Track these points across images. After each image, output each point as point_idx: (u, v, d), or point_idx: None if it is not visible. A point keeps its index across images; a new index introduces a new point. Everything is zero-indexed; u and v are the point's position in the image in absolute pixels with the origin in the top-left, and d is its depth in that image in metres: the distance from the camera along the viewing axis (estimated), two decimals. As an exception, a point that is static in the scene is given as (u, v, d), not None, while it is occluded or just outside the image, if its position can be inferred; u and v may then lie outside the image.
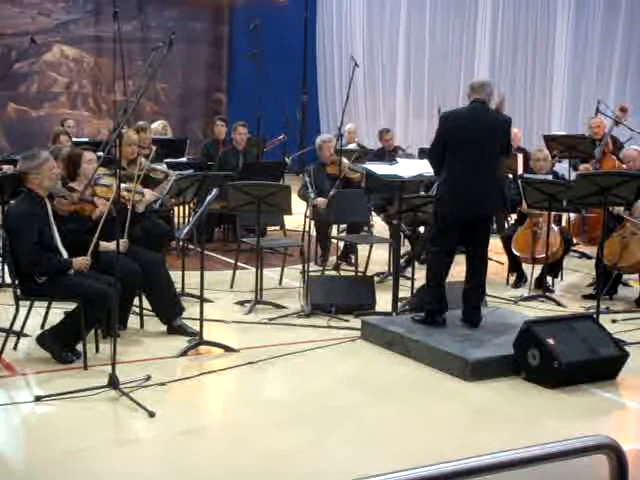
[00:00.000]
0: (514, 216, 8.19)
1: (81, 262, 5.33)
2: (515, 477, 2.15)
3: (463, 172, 5.80)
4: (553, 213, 7.54)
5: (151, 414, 4.48)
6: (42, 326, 5.77)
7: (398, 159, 7.44)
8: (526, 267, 7.85)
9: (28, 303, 5.60)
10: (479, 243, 6.02)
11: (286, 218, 8.13)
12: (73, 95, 16.39)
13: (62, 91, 16.29)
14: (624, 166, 8.03)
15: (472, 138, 5.82)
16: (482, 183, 5.85)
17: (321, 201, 8.00)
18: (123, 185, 5.53)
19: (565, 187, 7.20)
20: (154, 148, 7.82)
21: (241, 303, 6.93)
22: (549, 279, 7.69)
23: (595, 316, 5.86)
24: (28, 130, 14.98)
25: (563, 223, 8.37)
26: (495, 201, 5.99)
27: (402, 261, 7.84)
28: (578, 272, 8.56)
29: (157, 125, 10.66)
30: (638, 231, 7.15)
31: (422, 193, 8.00)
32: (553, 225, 7.55)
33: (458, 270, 6.32)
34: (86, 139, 10.99)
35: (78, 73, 16.40)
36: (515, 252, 7.74)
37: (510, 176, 9.05)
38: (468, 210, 5.87)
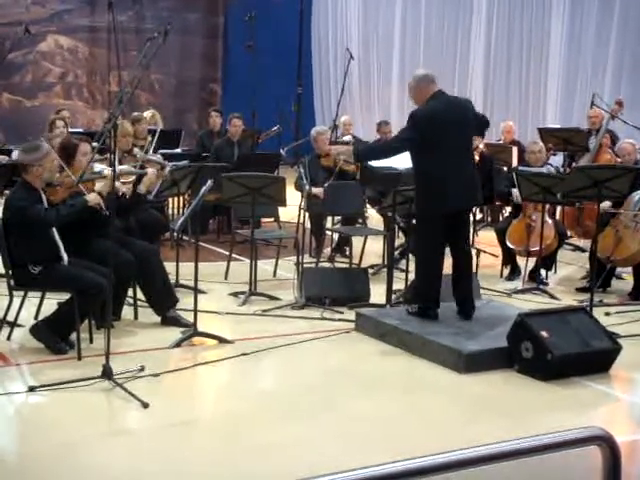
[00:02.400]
0: (508, 208, 8.20)
1: (95, 196, 5.36)
2: (509, 469, 2.16)
3: (449, 165, 5.71)
4: (547, 206, 7.56)
5: (145, 405, 4.48)
6: (36, 316, 5.76)
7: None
8: (520, 260, 7.87)
9: (22, 293, 5.59)
10: (462, 235, 6.01)
11: (280, 210, 8.13)
12: (67, 85, 16.34)
13: (56, 81, 16.24)
14: (619, 160, 8.04)
15: (451, 131, 5.73)
16: (466, 173, 5.83)
17: (317, 190, 7.97)
18: (120, 167, 5.52)
19: (559, 180, 7.21)
20: (149, 138, 7.80)
21: (235, 294, 6.93)
22: (543, 272, 7.70)
23: (588, 309, 5.88)
24: (22, 120, 14.92)
25: (557, 216, 8.38)
26: (479, 192, 6.00)
27: (396, 253, 7.84)
28: (572, 265, 8.58)
29: (146, 114, 10.62)
30: (632, 224, 7.16)
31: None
32: (547, 218, 7.56)
33: (448, 263, 6.30)
34: (81, 129, 10.97)
35: (73, 63, 16.35)
36: (509, 245, 7.74)
37: (505, 168, 9.07)
38: (456, 202, 5.81)
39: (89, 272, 5.31)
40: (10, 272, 5.37)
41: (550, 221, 7.66)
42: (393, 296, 6.59)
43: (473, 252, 6.53)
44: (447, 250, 6.07)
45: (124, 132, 7.05)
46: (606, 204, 7.16)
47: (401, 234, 8.53)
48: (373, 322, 6.00)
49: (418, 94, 5.89)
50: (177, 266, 6.81)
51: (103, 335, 4.99)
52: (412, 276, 6.64)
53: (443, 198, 5.75)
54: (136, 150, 7.27)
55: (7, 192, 6.50)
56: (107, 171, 5.64)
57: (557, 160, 9.97)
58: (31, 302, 5.78)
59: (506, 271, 7.98)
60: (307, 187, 7.60)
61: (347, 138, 11.18)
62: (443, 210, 5.79)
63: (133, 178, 6.12)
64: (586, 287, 7.23)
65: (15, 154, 7.50)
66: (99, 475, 3.82)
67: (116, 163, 5.15)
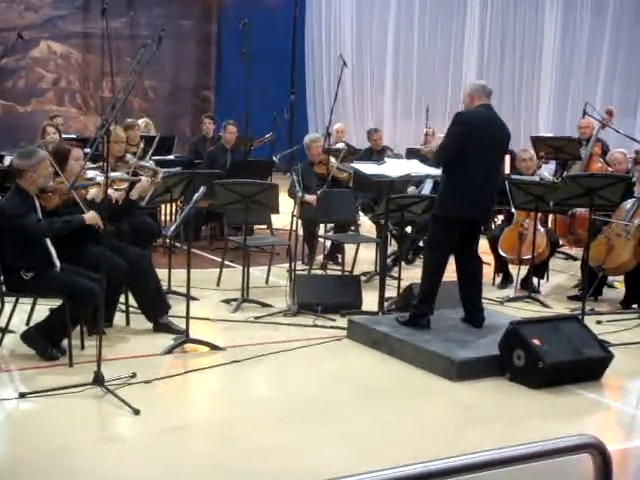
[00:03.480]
0: (501, 217, 8.22)
1: (93, 215, 5.34)
2: (501, 477, 2.16)
3: (479, 173, 5.76)
4: (539, 214, 7.58)
5: (136, 412, 4.47)
6: (27, 322, 5.75)
7: (386, 159, 7.44)
8: (512, 268, 7.88)
9: (13, 299, 5.57)
10: (476, 243, 6.08)
11: (273, 217, 8.13)
12: (60, 91, 16.33)
13: (49, 87, 16.22)
14: (610, 169, 8.07)
15: (489, 141, 5.81)
16: (492, 185, 5.92)
17: (311, 197, 7.98)
18: (113, 174, 5.51)
19: (552, 188, 7.23)
20: (142, 145, 7.79)
21: (227, 301, 6.93)
22: (535, 280, 7.72)
23: (580, 317, 5.89)
24: (15, 126, 14.90)
25: (549, 224, 8.40)
26: (495, 203, 6.14)
27: (389, 261, 7.84)
28: (564, 273, 8.60)
29: (140, 122, 10.63)
30: (623, 233, 7.18)
31: (411, 188, 8.03)
32: (539, 226, 7.58)
33: (449, 270, 6.31)
34: (73, 135, 10.96)
35: (66, 69, 16.34)
36: (501, 253, 7.76)
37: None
38: (480, 210, 5.92)
39: (81, 278, 5.30)
40: (2, 278, 5.36)
41: (542, 229, 7.68)
42: (385, 304, 6.59)
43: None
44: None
45: (116, 138, 7.05)
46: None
47: (393, 242, 8.54)
48: (365, 329, 5.99)
49: (469, 99, 5.99)
50: (169, 272, 6.80)
51: (95, 341, 4.97)
52: (404, 284, 6.66)
53: (465, 203, 5.79)
54: (128, 156, 7.26)
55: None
56: (100, 178, 5.63)
57: (549, 168, 10.01)
58: (22, 308, 5.76)
59: (498, 279, 8.00)
60: (300, 194, 7.61)
61: (340, 145, 11.20)
62: (461, 215, 5.83)
63: (126, 185, 6.12)
64: (578, 295, 7.25)
65: (7, 160, 7.48)
66: (90, 482, 3.81)
67: (109, 170, 5.13)
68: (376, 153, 10.23)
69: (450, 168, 5.86)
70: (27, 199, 5.28)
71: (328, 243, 8.66)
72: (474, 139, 5.75)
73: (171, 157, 9.91)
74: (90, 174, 5.86)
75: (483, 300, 6.99)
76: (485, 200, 5.92)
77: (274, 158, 10.90)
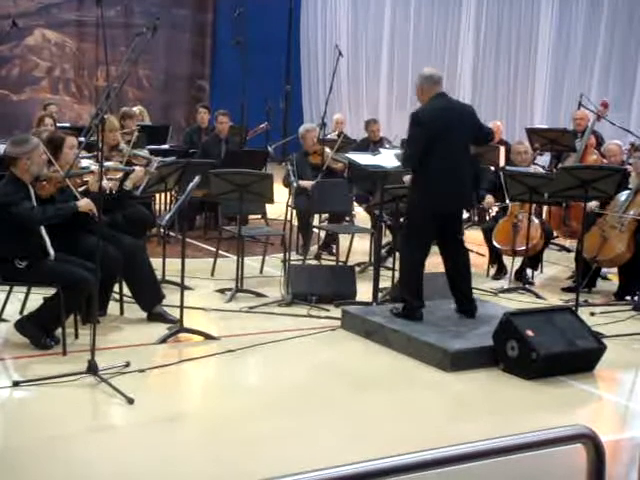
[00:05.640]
0: (495, 208, 8.23)
1: (87, 202, 5.33)
2: (494, 467, 2.16)
3: (446, 166, 5.71)
4: (534, 206, 7.58)
5: (130, 401, 4.47)
6: (21, 311, 5.74)
7: (381, 149, 7.44)
8: (506, 259, 7.89)
9: (7, 288, 5.56)
10: (455, 234, 6.04)
11: (268, 207, 8.13)
12: (55, 80, 16.28)
13: (44, 75, 16.17)
14: (605, 161, 8.07)
15: (453, 130, 5.76)
16: (462, 175, 5.86)
17: (306, 183, 7.95)
18: (107, 163, 5.49)
19: (547, 180, 7.23)
20: (136, 133, 7.78)
21: (222, 291, 6.92)
22: (529, 271, 7.73)
23: (574, 309, 5.90)
24: (9, 114, 14.88)
25: (543, 216, 8.41)
26: (471, 193, 6.05)
27: (383, 251, 7.85)
28: (558, 265, 8.61)
29: (134, 110, 10.61)
30: (617, 225, 7.19)
31: (407, 177, 8.01)
32: (534, 217, 7.58)
33: (436, 262, 6.32)
34: (68, 124, 10.93)
35: (60, 58, 16.29)
36: (496, 244, 7.76)
37: (492, 168, 9.10)
38: (452, 203, 5.88)
39: (75, 267, 5.28)
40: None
41: (536, 221, 7.68)
42: (379, 294, 6.59)
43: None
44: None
45: (110, 127, 7.03)
46: (593, 203, 7.20)
47: (388, 232, 8.55)
48: (359, 320, 6.00)
49: (421, 93, 5.90)
50: (164, 262, 6.79)
51: (89, 330, 4.97)
52: (398, 274, 6.65)
53: (436, 199, 5.76)
54: (122, 145, 7.25)
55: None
56: (94, 167, 5.61)
57: (544, 160, 10.02)
58: (16, 297, 5.75)
59: (492, 270, 8.01)
60: (295, 184, 7.59)
61: (331, 136, 11.20)
62: (435, 210, 5.80)
63: (120, 174, 6.11)
64: (572, 287, 7.26)
65: (1, 147, 7.45)
66: (84, 470, 3.81)
67: (103, 160, 5.11)
68: (373, 144, 10.22)
69: (420, 166, 5.77)
70: (21, 187, 5.26)
71: (322, 233, 8.66)
72: (437, 134, 5.68)
73: (166, 146, 9.89)
74: (84, 163, 5.85)
75: (477, 291, 7.02)
76: (461, 190, 5.87)
77: (269, 148, 10.89)
